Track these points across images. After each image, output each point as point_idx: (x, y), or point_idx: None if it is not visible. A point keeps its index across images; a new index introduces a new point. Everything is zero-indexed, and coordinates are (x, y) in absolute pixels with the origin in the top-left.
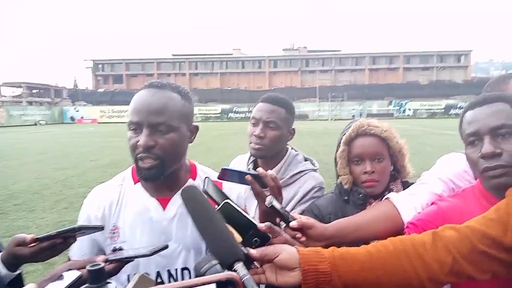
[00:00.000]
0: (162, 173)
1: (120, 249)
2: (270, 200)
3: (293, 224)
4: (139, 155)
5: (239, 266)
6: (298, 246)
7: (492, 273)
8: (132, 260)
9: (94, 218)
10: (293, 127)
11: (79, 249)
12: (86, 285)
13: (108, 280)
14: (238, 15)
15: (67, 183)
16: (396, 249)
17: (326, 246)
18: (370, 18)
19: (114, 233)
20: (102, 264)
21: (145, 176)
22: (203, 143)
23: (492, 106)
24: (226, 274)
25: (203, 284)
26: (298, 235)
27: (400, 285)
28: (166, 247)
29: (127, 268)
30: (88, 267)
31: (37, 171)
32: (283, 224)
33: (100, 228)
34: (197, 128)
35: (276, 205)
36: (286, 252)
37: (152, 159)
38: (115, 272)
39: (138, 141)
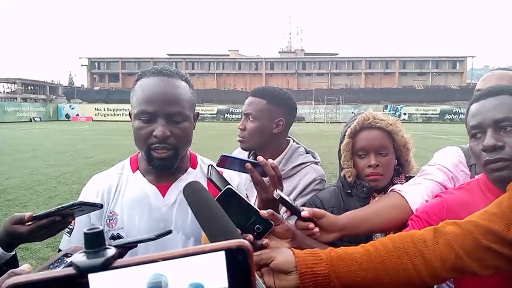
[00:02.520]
0: (175, 162)
1: (118, 236)
2: (277, 192)
3: (304, 213)
4: (153, 146)
5: None
6: (294, 249)
7: (495, 268)
8: (136, 246)
9: None
10: (281, 118)
11: (77, 238)
12: (83, 250)
13: (107, 246)
14: (235, 16)
15: (61, 180)
16: (396, 247)
17: (335, 243)
18: (367, 23)
19: (111, 219)
20: (101, 227)
21: (160, 166)
22: (198, 143)
23: (497, 98)
24: (237, 241)
25: (211, 251)
26: (311, 225)
27: (401, 283)
28: (170, 232)
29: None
30: (85, 230)
31: (31, 167)
32: (285, 216)
33: (100, 206)
34: (198, 114)
35: (285, 196)
36: (281, 255)
37: (168, 149)
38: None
39: (151, 131)
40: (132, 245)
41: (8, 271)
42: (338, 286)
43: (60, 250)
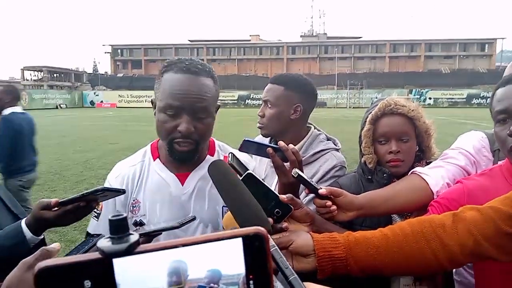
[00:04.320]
0: (196, 155)
1: (141, 222)
2: (295, 170)
3: (322, 191)
4: (176, 140)
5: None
6: (313, 232)
7: None
8: (160, 234)
9: None
10: (298, 104)
11: (104, 222)
12: (108, 235)
13: (130, 232)
14: (256, 0)
15: (88, 165)
16: (414, 231)
17: (354, 229)
18: (391, 4)
19: (134, 206)
20: (125, 214)
21: (181, 158)
22: (219, 129)
23: None
24: (254, 228)
25: (229, 237)
26: (328, 203)
27: (419, 267)
28: (194, 218)
29: None
30: (109, 217)
31: (58, 153)
32: (305, 202)
33: (122, 192)
34: (219, 106)
35: (302, 174)
36: (300, 239)
37: (190, 143)
38: None
39: (176, 125)
40: (157, 233)
41: (41, 248)
42: (355, 269)
43: (88, 233)
